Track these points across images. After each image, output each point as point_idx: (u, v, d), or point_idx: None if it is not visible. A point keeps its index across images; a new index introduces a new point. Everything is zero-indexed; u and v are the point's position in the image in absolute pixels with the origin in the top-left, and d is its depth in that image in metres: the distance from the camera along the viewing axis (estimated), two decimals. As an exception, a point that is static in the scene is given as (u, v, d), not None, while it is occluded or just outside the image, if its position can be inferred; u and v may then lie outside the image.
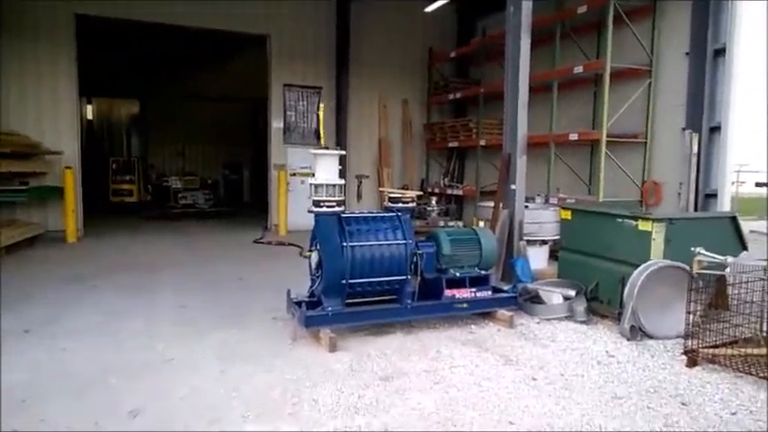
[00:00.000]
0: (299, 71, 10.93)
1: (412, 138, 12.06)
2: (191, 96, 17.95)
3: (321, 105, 4.48)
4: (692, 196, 6.71)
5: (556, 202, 7.70)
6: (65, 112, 9.40)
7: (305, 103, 11.07)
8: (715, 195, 6.64)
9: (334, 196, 4.08)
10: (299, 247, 8.30)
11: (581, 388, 3.36)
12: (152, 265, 7.17)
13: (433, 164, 12.29)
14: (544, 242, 6.88)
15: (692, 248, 3.94)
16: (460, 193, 11.16)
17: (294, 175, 10.88)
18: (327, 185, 4.07)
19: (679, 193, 6.88)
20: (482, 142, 10.13)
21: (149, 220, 12.71)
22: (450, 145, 11.19)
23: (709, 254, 3.90)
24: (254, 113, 17.89)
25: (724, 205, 6.61)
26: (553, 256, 6.73)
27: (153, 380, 3.41)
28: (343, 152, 4.31)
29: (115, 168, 14.52)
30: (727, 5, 6.46)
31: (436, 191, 11.59)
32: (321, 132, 4.34)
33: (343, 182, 4.18)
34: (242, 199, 18.59)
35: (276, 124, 10.96)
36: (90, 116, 18.04)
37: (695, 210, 6.67)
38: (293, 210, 10.22)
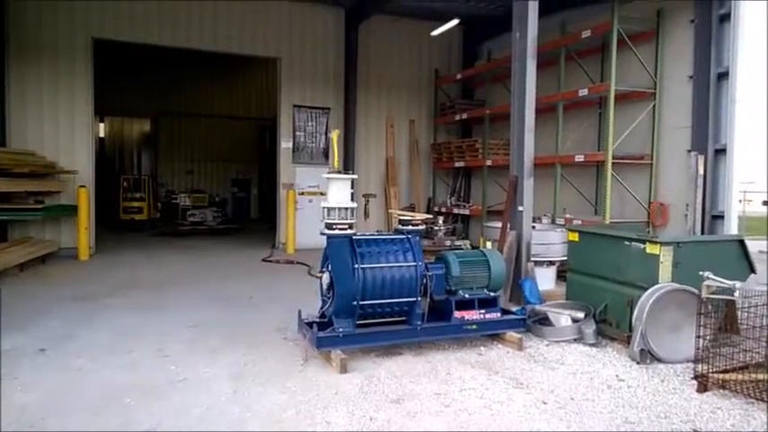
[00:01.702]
0: (308, 92, 11.17)
1: (419, 157, 12.20)
2: (200, 115, 18.34)
3: (335, 131, 4.58)
4: (698, 217, 6.75)
5: (562, 223, 7.75)
6: (80, 132, 9.63)
7: (314, 123, 11.28)
8: (722, 217, 6.67)
9: (346, 219, 4.17)
10: (306, 265, 8.37)
11: (592, 412, 3.37)
12: (162, 283, 7.26)
13: (439, 183, 12.41)
14: (551, 263, 6.91)
15: (701, 272, 3.97)
16: (467, 212, 11.24)
17: (302, 194, 11.02)
18: (339, 208, 4.16)
19: (686, 215, 6.93)
20: (488, 162, 10.24)
21: (159, 238, 12.87)
22: (457, 165, 11.32)
23: (717, 279, 3.92)
24: (262, 132, 18.20)
25: (731, 227, 6.63)
26: (560, 276, 6.75)
27: (167, 399, 3.46)
28: (355, 176, 4.41)
29: (126, 186, 14.72)
30: (729, 30, 6.60)
31: (443, 210, 11.68)
32: (335, 156, 4.45)
33: (354, 205, 4.27)
34: (250, 216, 18.78)
35: (285, 144, 11.15)
36: (102, 134, 18.43)
37: (702, 231, 6.70)
38: (301, 228, 10.34)
